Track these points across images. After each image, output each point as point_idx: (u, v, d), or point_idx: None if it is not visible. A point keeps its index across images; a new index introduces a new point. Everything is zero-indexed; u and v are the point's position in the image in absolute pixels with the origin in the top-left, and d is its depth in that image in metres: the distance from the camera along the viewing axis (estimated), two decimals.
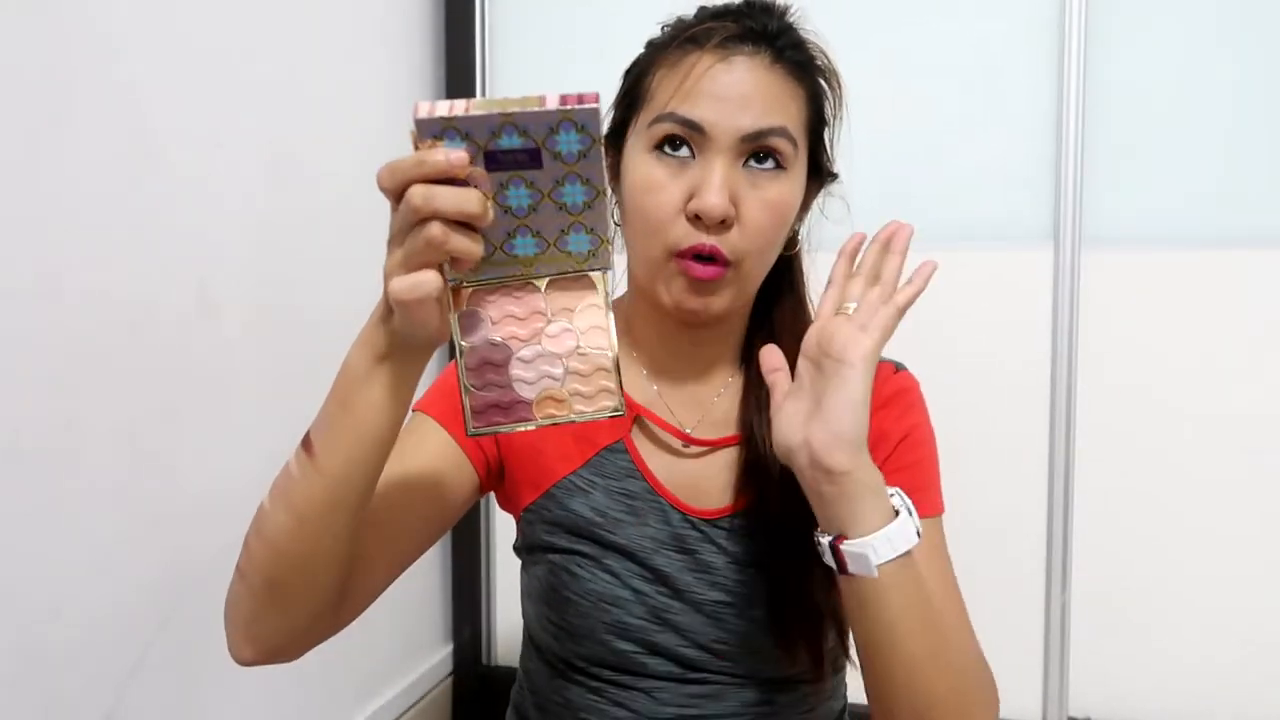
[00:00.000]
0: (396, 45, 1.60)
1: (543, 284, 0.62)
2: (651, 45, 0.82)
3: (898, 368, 0.89)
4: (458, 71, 1.69)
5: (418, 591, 1.71)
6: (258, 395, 1.25)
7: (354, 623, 0.76)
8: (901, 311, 0.70)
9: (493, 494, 0.91)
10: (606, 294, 0.62)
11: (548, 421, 0.63)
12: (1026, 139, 1.52)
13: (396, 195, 0.56)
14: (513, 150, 0.55)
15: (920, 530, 0.69)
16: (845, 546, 0.67)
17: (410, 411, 0.84)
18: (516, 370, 0.62)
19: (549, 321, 0.62)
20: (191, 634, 1.14)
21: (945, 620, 0.73)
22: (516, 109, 0.54)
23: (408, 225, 0.55)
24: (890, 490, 0.69)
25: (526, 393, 0.62)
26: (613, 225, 0.60)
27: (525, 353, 0.62)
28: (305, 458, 0.64)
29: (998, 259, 1.52)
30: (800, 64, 0.78)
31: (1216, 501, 1.48)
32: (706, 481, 0.83)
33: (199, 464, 1.15)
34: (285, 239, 1.29)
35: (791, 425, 0.69)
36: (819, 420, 0.67)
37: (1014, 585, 1.55)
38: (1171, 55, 1.47)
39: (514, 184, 0.57)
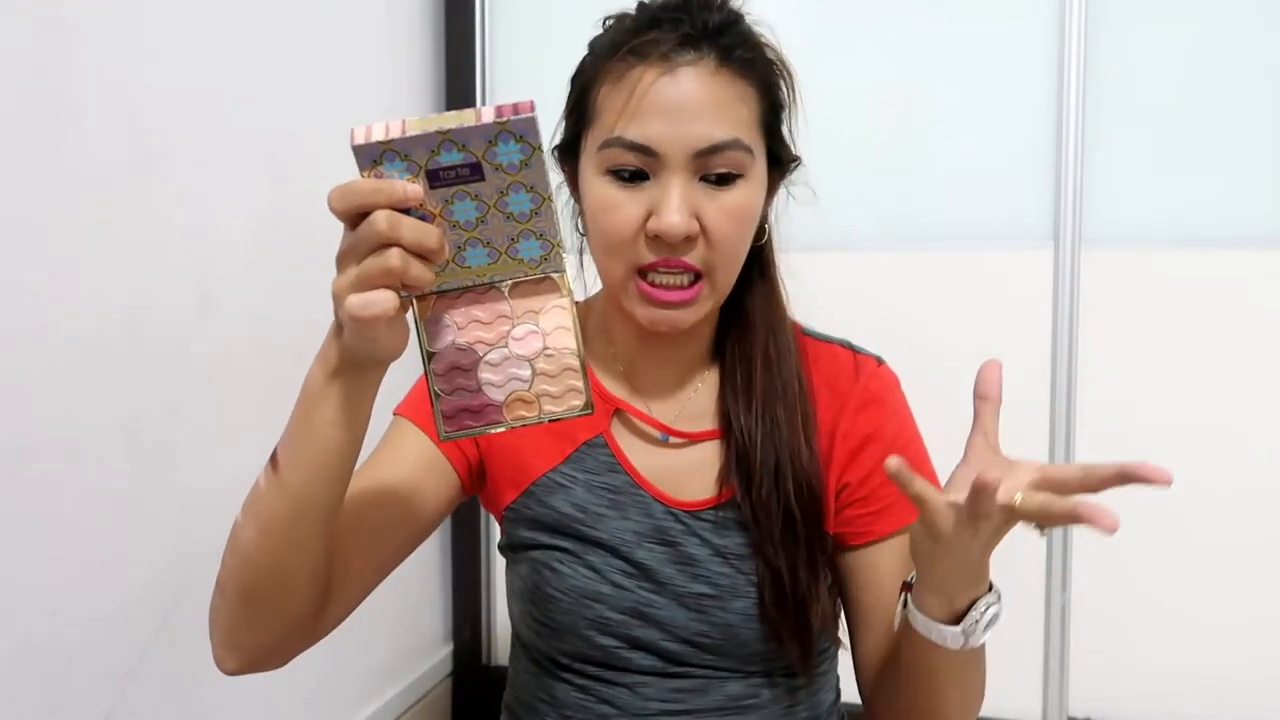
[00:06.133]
0: (397, 46, 1.60)
1: (506, 288, 0.62)
2: (594, 53, 0.79)
3: (879, 361, 0.88)
4: (457, 71, 1.69)
5: (418, 591, 1.71)
6: (257, 396, 1.24)
7: (354, 623, 0.76)
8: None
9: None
10: (570, 294, 0.63)
11: (518, 423, 0.63)
12: (1027, 140, 1.51)
13: (350, 217, 0.57)
14: (454, 166, 0.56)
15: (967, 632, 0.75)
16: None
17: (391, 415, 0.84)
18: (485, 374, 0.63)
19: (514, 325, 0.63)
20: (191, 634, 1.14)
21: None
22: (453, 125, 0.54)
23: (366, 248, 0.56)
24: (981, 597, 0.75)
25: (495, 395, 0.63)
26: (561, 229, 0.61)
27: (492, 356, 0.63)
28: (271, 473, 0.65)
29: (998, 259, 1.52)
30: (748, 61, 0.76)
31: (1217, 502, 1.47)
32: (688, 474, 0.83)
33: (199, 464, 1.15)
34: (285, 240, 1.29)
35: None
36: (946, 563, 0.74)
37: (1014, 585, 1.55)
38: (1172, 55, 1.47)
39: (459, 198, 0.57)
